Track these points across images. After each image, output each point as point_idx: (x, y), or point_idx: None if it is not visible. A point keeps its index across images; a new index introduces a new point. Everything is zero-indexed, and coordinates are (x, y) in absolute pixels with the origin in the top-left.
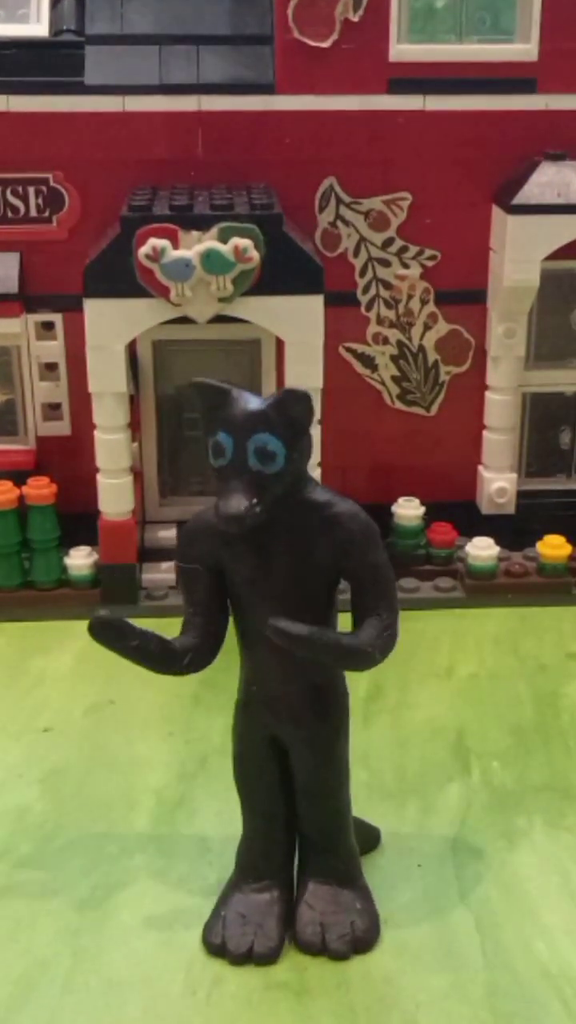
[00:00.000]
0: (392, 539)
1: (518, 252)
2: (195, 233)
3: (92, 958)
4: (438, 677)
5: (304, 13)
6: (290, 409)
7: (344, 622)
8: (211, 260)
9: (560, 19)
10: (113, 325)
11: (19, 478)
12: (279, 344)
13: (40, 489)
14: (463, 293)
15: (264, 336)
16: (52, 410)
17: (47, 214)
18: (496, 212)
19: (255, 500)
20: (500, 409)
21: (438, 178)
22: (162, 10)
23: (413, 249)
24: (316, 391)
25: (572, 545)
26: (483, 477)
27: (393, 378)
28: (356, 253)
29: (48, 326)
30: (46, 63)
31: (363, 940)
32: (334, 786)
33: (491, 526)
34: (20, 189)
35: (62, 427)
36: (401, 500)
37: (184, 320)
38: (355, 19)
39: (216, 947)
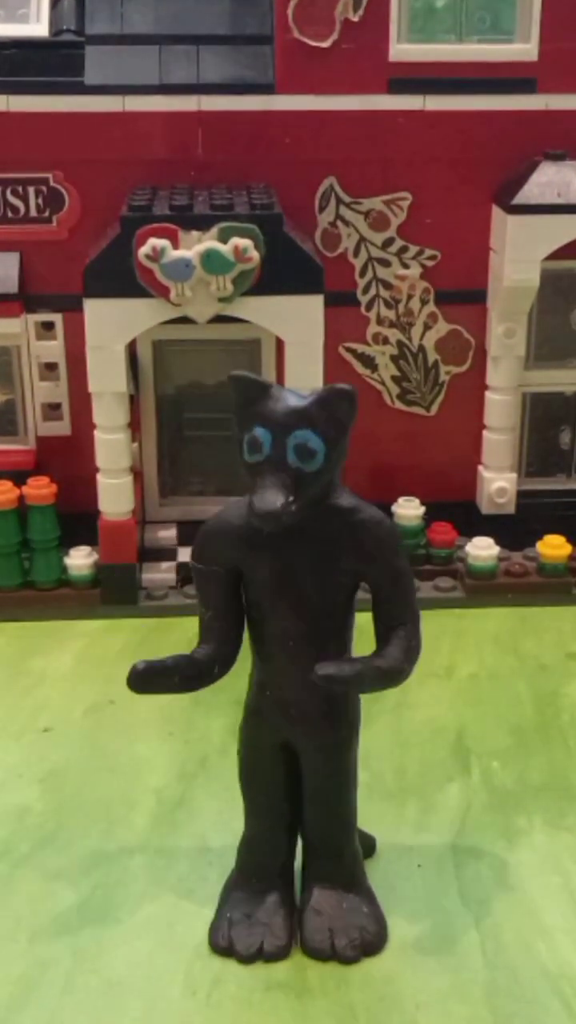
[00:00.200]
0: None
1: (518, 252)
2: (195, 233)
3: (92, 958)
4: (438, 677)
5: (304, 13)
6: (334, 406)
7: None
8: (211, 260)
9: (560, 19)
10: (113, 325)
11: (19, 478)
12: (279, 344)
13: (40, 489)
14: (463, 293)
15: (264, 336)
16: (52, 410)
17: (47, 214)
18: (496, 212)
19: (292, 498)
20: (500, 409)
21: (438, 178)
22: (162, 10)
23: (413, 249)
24: None
25: (572, 545)
26: (483, 477)
27: (393, 378)
28: (356, 253)
29: (48, 326)
30: (46, 63)
31: (372, 944)
32: (343, 792)
33: (491, 526)
34: (20, 189)
35: (62, 427)
36: (401, 500)
37: (184, 320)
38: (355, 19)
39: (223, 949)
